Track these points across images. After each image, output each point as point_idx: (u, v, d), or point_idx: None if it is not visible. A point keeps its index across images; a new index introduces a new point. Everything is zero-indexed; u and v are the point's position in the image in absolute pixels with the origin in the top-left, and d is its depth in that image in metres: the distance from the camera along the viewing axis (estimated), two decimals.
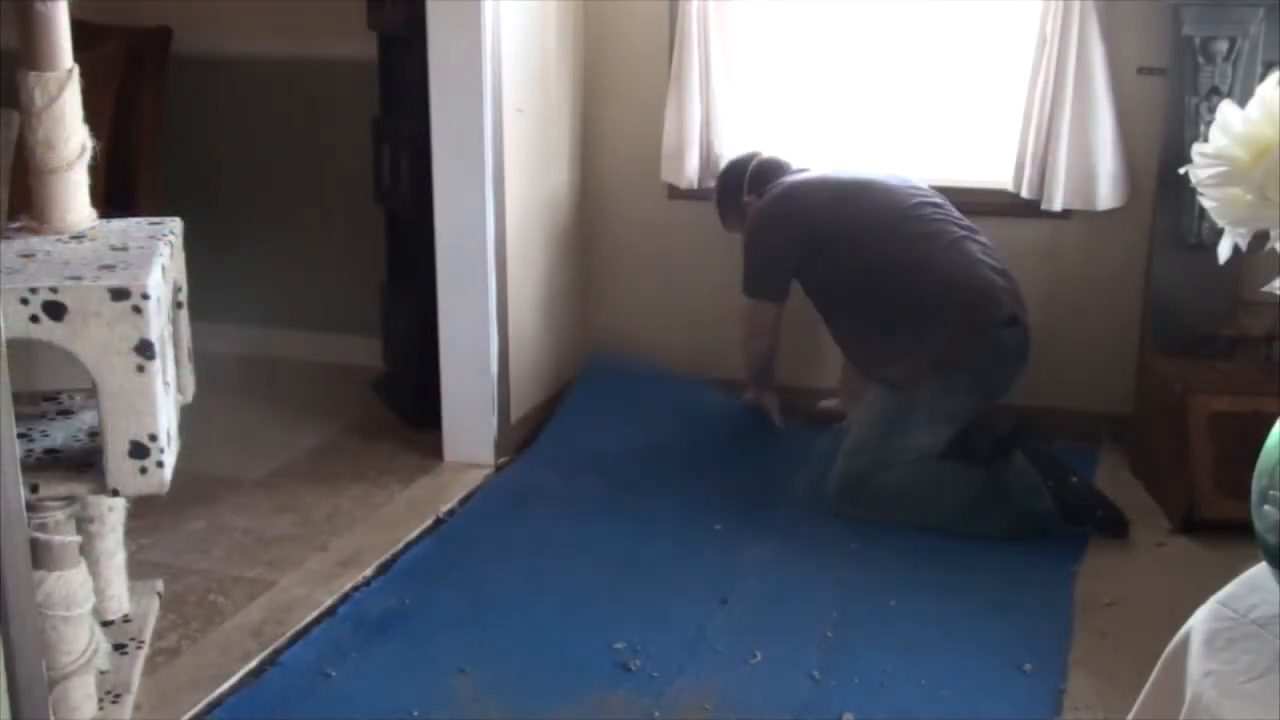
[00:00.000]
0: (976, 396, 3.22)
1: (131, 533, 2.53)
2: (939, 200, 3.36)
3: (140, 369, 1.88)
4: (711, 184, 3.71)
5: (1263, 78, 1.74)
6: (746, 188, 3.56)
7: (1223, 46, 3.13)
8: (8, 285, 1.82)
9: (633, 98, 3.88)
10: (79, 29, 2.10)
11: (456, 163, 3.34)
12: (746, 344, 3.66)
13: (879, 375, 3.27)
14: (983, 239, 3.29)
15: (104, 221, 2.15)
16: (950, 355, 3.16)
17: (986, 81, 3.63)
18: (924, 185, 3.42)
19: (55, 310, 1.84)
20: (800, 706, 2.40)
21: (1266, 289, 1.38)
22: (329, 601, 2.77)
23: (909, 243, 3.24)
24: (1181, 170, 1.44)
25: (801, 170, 3.55)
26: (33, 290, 1.83)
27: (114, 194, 3.67)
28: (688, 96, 3.65)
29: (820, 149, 3.77)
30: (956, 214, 3.33)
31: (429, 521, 3.17)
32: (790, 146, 3.76)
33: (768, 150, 3.65)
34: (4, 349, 1.34)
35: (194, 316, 2.27)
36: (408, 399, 3.80)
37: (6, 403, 1.32)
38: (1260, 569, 1.38)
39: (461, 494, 3.33)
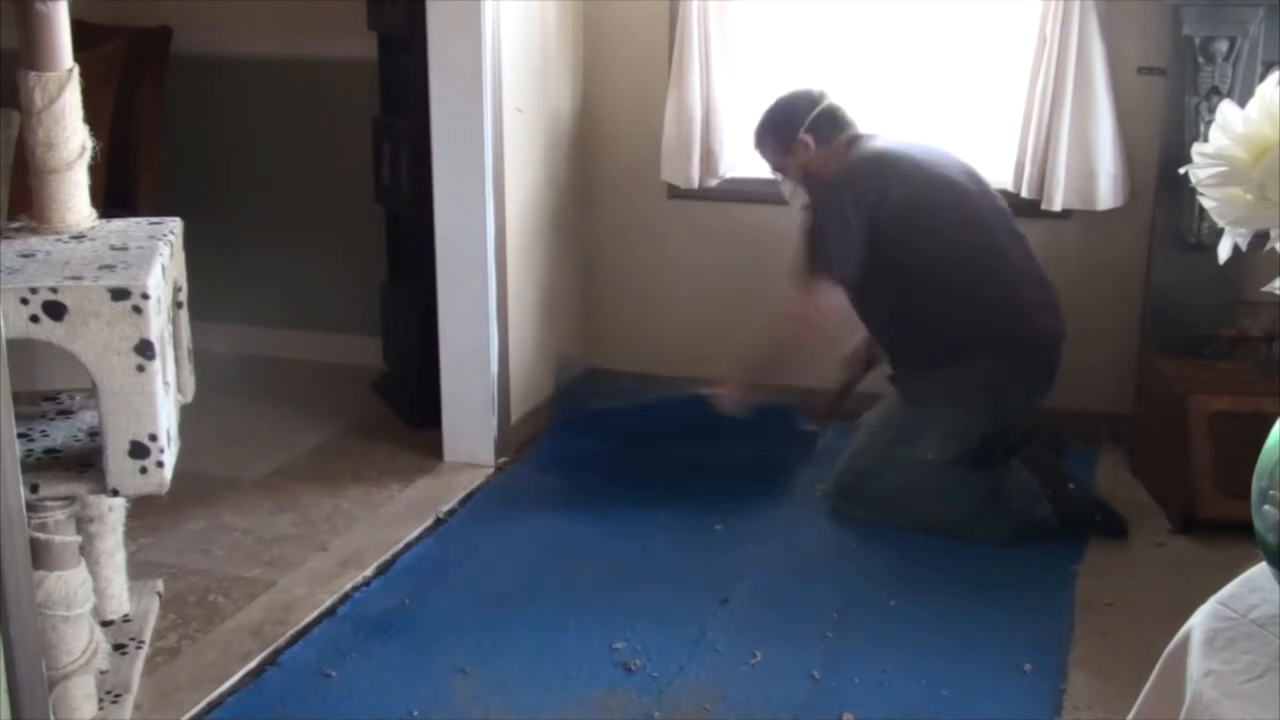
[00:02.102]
0: (991, 421, 3.18)
1: (131, 533, 2.53)
2: (1002, 204, 3.25)
3: (140, 369, 1.88)
4: (712, 184, 3.71)
5: (1263, 78, 1.74)
6: (807, 125, 3.26)
7: (1223, 46, 3.13)
8: (8, 285, 1.82)
9: (633, 98, 3.88)
10: (79, 29, 2.10)
11: (456, 163, 3.34)
12: (790, 340, 3.28)
13: (902, 384, 3.26)
14: (1028, 246, 3.23)
15: (104, 221, 2.14)
16: (975, 385, 3.14)
17: (986, 81, 3.63)
18: (987, 182, 3.28)
19: (55, 310, 1.84)
20: (800, 706, 2.40)
21: (1266, 289, 1.38)
22: (329, 601, 2.77)
23: (967, 262, 3.14)
24: (1181, 170, 1.44)
25: (875, 136, 3.31)
26: (33, 290, 1.83)
27: (114, 194, 3.67)
28: (688, 96, 3.65)
29: None
30: (1009, 214, 3.25)
31: (429, 521, 3.17)
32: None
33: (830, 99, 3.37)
34: (4, 349, 1.34)
35: (194, 316, 2.27)
36: (408, 399, 3.81)
37: (6, 403, 1.32)
38: (1260, 569, 1.38)
39: (461, 494, 3.33)
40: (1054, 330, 3.20)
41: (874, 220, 3.11)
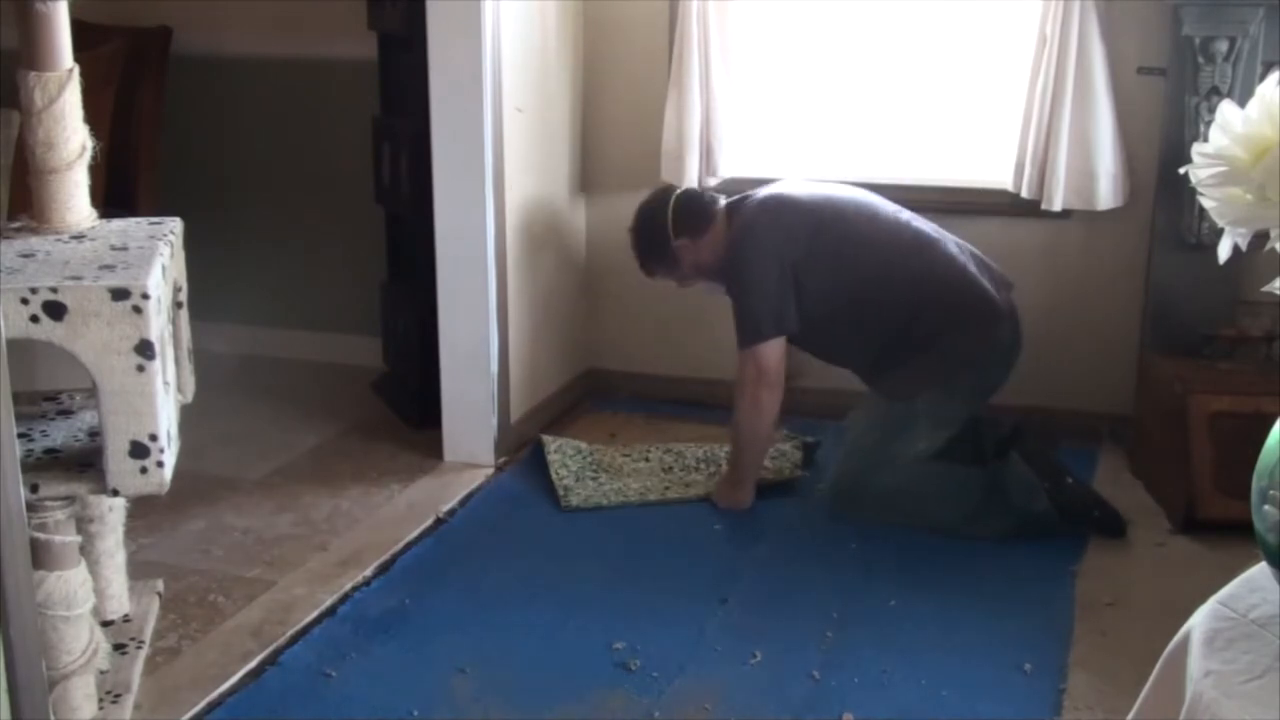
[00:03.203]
0: (975, 400, 3.22)
1: (131, 533, 2.53)
2: (897, 205, 3.27)
3: (140, 369, 1.88)
4: (712, 183, 3.71)
5: (1263, 78, 1.74)
6: (674, 231, 3.25)
7: (1223, 46, 3.13)
8: (8, 285, 1.82)
9: (633, 98, 3.88)
10: (79, 29, 2.10)
11: (456, 163, 3.34)
12: (756, 413, 3.16)
13: (876, 386, 3.26)
14: (946, 232, 3.25)
15: (104, 221, 2.14)
16: (948, 365, 3.15)
17: (986, 81, 3.63)
18: (871, 193, 3.29)
19: (55, 310, 1.84)
20: (800, 706, 2.40)
21: (1266, 289, 1.38)
22: (329, 601, 2.77)
23: (896, 252, 3.17)
24: (1181, 170, 1.44)
25: (742, 195, 3.29)
26: (33, 290, 1.83)
27: (114, 194, 3.67)
28: (688, 96, 3.65)
29: (820, 149, 3.77)
30: (914, 213, 3.27)
31: (429, 521, 3.17)
32: (789, 147, 3.77)
33: (680, 186, 3.44)
34: (4, 349, 1.34)
35: (194, 316, 2.27)
36: (408, 399, 3.81)
37: (6, 403, 1.32)
38: (1260, 569, 1.38)
39: (461, 494, 3.33)
40: (1005, 291, 3.22)
41: (793, 261, 3.12)
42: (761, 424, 3.19)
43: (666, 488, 3.34)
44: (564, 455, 3.49)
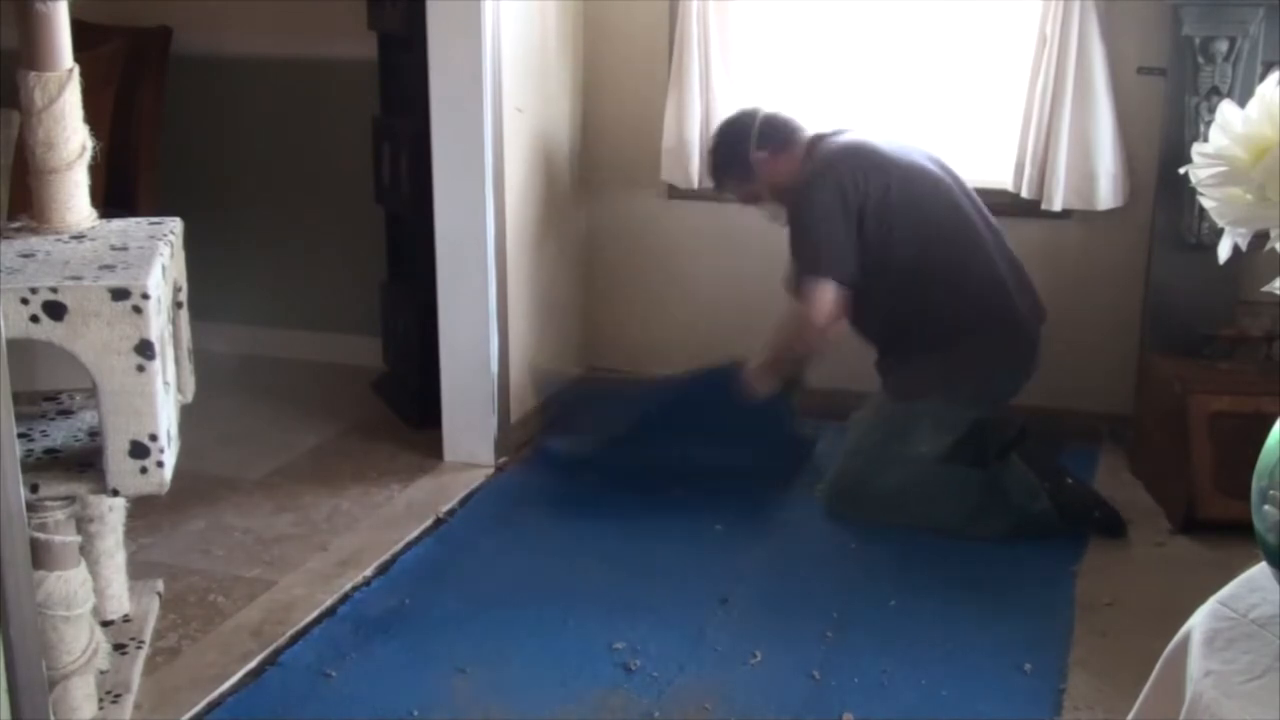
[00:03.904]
0: (979, 408, 3.20)
1: (131, 533, 2.53)
2: (973, 193, 3.25)
3: (140, 369, 1.88)
4: (712, 184, 3.70)
5: (1263, 78, 1.74)
6: (756, 142, 3.23)
7: (1223, 46, 3.13)
8: (8, 285, 1.82)
9: (633, 98, 3.88)
10: (79, 29, 2.10)
11: (456, 163, 3.34)
12: (815, 342, 3.19)
13: (885, 380, 3.26)
14: (1006, 242, 3.25)
15: (104, 221, 2.14)
16: (957, 371, 3.15)
17: (986, 81, 3.63)
18: (953, 172, 3.27)
19: (55, 310, 1.84)
20: (800, 706, 2.40)
21: (1266, 289, 1.38)
22: (329, 601, 2.77)
23: (945, 237, 3.13)
24: (1181, 170, 1.44)
25: (830, 131, 3.27)
26: (33, 290, 1.83)
27: (114, 194, 3.67)
28: (688, 96, 3.65)
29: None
30: (985, 209, 3.25)
31: (429, 521, 3.17)
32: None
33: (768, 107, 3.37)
34: (4, 349, 1.34)
35: (194, 316, 2.27)
36: (408, 399, 3.81)
37: (6, 403, 1.32)
38: (1260, 569, 1.38)
39: (461, 494, 3.33)
40: (1034, 312, 3.22)
41: (861, 214, 3.09)
42: (796, 348, 3.24)
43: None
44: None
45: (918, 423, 3.14)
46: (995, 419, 3.26)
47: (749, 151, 3.26)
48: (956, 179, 3.25)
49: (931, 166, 3.22)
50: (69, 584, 2.01)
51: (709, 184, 3.70)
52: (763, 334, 3.40)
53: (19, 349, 1.71)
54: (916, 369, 3.17)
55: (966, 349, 3.14)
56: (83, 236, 2.07)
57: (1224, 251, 1.39)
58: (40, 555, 1.96)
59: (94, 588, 2.10)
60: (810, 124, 3.32)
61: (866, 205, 3.09)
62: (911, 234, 3.12)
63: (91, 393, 1.92)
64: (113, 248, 2.02)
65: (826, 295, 3.10)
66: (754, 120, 3.28)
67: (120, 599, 2.45)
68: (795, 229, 3.15)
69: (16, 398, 1.40)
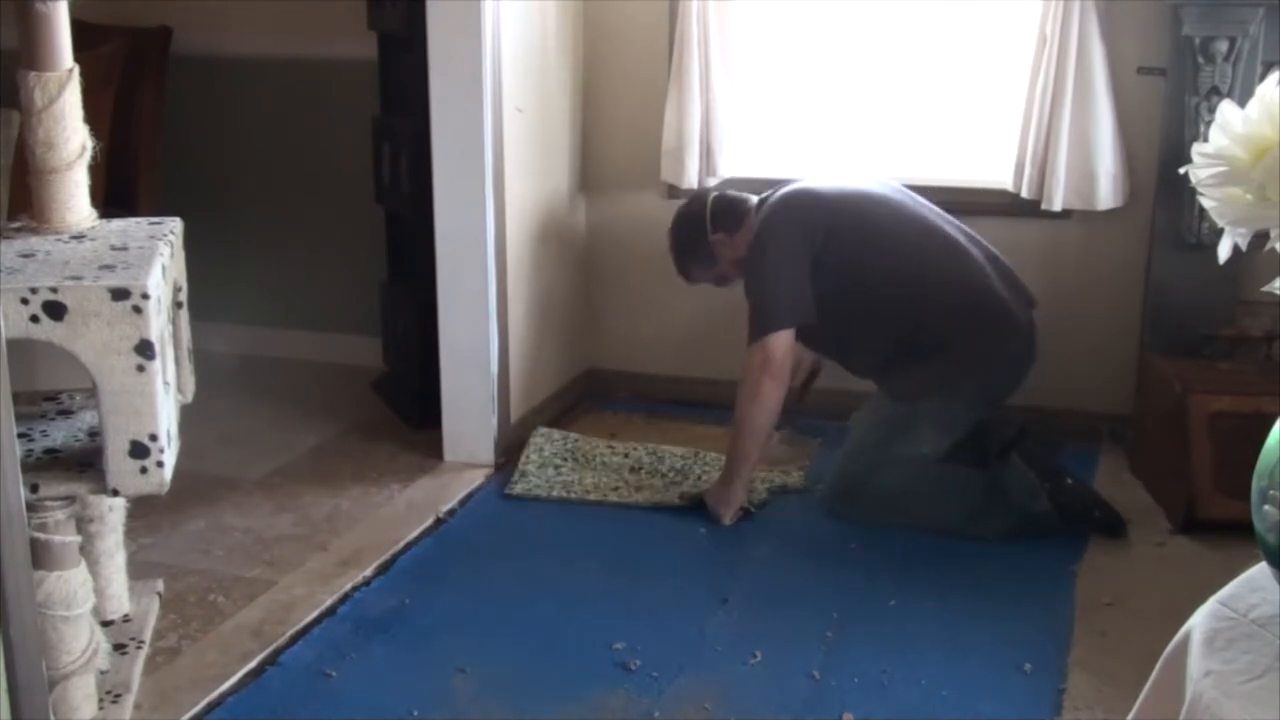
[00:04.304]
0: (980, 408, 3.21)
1: (131, 533, 2.53)
2: (932, 205, 3.28)
3: (140, 369, 1.88)
4: (711, 184, 3.71)
5: (1263, 78, 1.74)
6: (711, 227, 3.27)
7: (1223, 46, 3.13)
8: (8, 285, 1.82)
9: (633, 97, 3.88)
10: (79, 29, 2.10)
11: (456, 163, 3.34)
12: (757, 403, 3.11)
13: (883, 385, 3.26)
14: (979, 238, 3.26)
15: (104, 221, 2.14)
16: (956, 371, 3.15)
17: (986, 81, 3.63)
18: (907, 190, 3.30)
19: (55, 310, 1.84)
20: (800, 706, 2.40)
21: (1266, 289, 1.38)
22: (329, 601, 2.77)
23: (916, 254, 3.15)
24: (1181, 170, 1.44)
25: (780, 186, 3.30)
26: (33, 290, 1.83)
27: (114, 194, 3.67)
28: (688, 96, 3.65)
29: (820, 149, 3.77)
30: (949, 216, 3.27)
31: (429, 521, 3.17)
32: (789, 147, 3.76)
33: (716, 189, 3.45)
34: (4, 349, 1.34)
35: (194, 316, 2.27)
36: (408, 399, 3.81)
37: (6, 403, 1.32)
38: (1260, 569, 1.38)
39: (461, 494, 3.33)
40: (1022, 300, 3.22)
41: (823, 252, 3.11)
42: (761, 414, 3.12)
43: (616, 488, 3.32)
44: (546, 440, 3.53)
45: (919, 423, 3.14)
46: (995, 419, 3.26)
47: (706, 237, 3.30)
48: (908, 194, 3.28)
49: (877, 189, 3.26)
50: (69, 584, 2.01)
51: (709, 183, 3.71)
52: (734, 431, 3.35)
53: (19, 349, 1.71)
54: (917, 371, 3.17)
55: (963, 348, 3.14)
56: (83, 236, 2.07)
57: (1224, 251, 1.39)
58: (40, 555, 1.96)
59: (94, 588, 2.10)
60: (761, 186, 3.37)
61: (816, 249, 3.11)
62: (876, 255, 3.14)
63: (91, 393, 1.92)
64: (113, 248, 2.02)
65: (781, 342, 3.10)
66: (704, 206, 3.32)
67: (120, 599, 2.45)
68: (748, 291, 3.18)
69: (16, 398, 1.40)
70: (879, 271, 3.14)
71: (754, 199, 3.32)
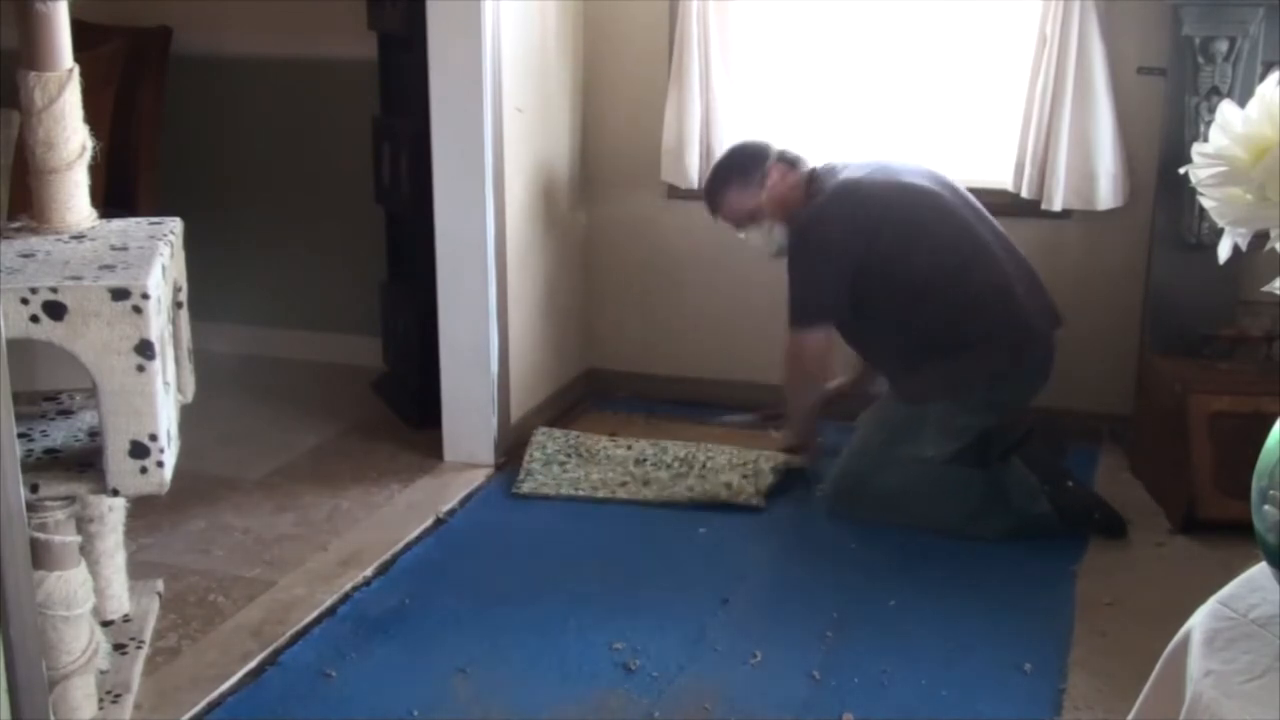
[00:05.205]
0: (987, 416, 3.20)
1: (131, 533, 2.53)
2: (971, 200, 3.26)
3: (140, 369, 1.88)
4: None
5: (1263, 78, 1.74)
6: (774, 157, 3.30)
7: (1223, 46, 3.13)
8: (8, 285, 1.82)
9: (633, 97, 3.88)
10: (79, 29, 2.10)
11: (456, 163, 3.34)
12: (803, 388, 3.33)
13: (895, 384, 3.26)
14: (1015, 248, 3.25)
15: (104, 221, 2.15)
16: (969, 378, 3.14)
17: (986, 81, 3.63)
18: (947, 181, 3.28)
19: (55, 310, 1.84)
20: (800, 706, 2.40)
21: (1266, 289, 1.38)
22: (329, 601, 2.77)
23: (952, 256, 3.14)
24: (1181, 170, 1.44)
25: (826, 167, 3.30)
26: (33, 290, 1.83)
27: (114, 194, 3.67)
28: (688, 96, 3.65)
29: (820, 149, 3.76)
30: (988, 215, 3.26)
31: (429, 521, 3.17)
32: (789, 147, 3.75)
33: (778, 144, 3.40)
34: (4, 349, 1.34)
35: (194, 316, 2.27)
36: (408, 399, 3.81)
37: (6, 403, 1.32)
38: (1260, 569, 1.38)
39: (461, 494, 3.33)
40: (1047, 320, 3.22)
41: (865, 253, 3.13)
42: (800, 399, 3.38)
43: (624, 482, 3.33)
44: (548, 438, 3.54)
45: (924, 426, 3.14)
46: (1001, 424, 3.26)
47: (766, 160, 3.31)
48: (955, 190, 3.26)
49: (928, 183, 3.23)
50: (69, 584, 2.01)
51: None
52: (760, 334, 3.41)
53: (19, 349, 1.71)
54: (927, 372, 3.17)
55: (975, 356, 3.13)
56: (83, 236, 2.07)
57: (1224, 251, 1.39)
58: (40, 555, 1.96)
59: (94, 588, 2.11)
60: (809, 149, 3.40)
61: (875, 242, 3.13)
62: (915, 255, 3.14)
63: (91, 393, 1.92)
64: (113, 248, 2.02)
65: (816, 342, 3.23)
66: (767, 146, 3.35)
67: (120, 599, 2.45)
68: (792, 273, 3.22)
69: (16, 398, 1.40)
70: (913, 272, 3.14)
71: (811, 164, 3.33)
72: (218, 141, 4.35)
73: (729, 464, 3.37)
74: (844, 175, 3.24)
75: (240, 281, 4.23)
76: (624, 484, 3.33)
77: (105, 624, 2.36)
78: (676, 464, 3.42)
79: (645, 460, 3.44)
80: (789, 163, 3.32)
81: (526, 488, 3.32)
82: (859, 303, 3.18)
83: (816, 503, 3.27)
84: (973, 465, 3.18)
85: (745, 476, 3.33)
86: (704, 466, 3.38)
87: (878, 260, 3.13)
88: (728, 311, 3.88)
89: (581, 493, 3.30)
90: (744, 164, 3.34)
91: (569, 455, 3.48)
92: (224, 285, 4.01)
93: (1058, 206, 3.43)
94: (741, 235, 3.41)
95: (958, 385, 3.14)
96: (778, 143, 3.40)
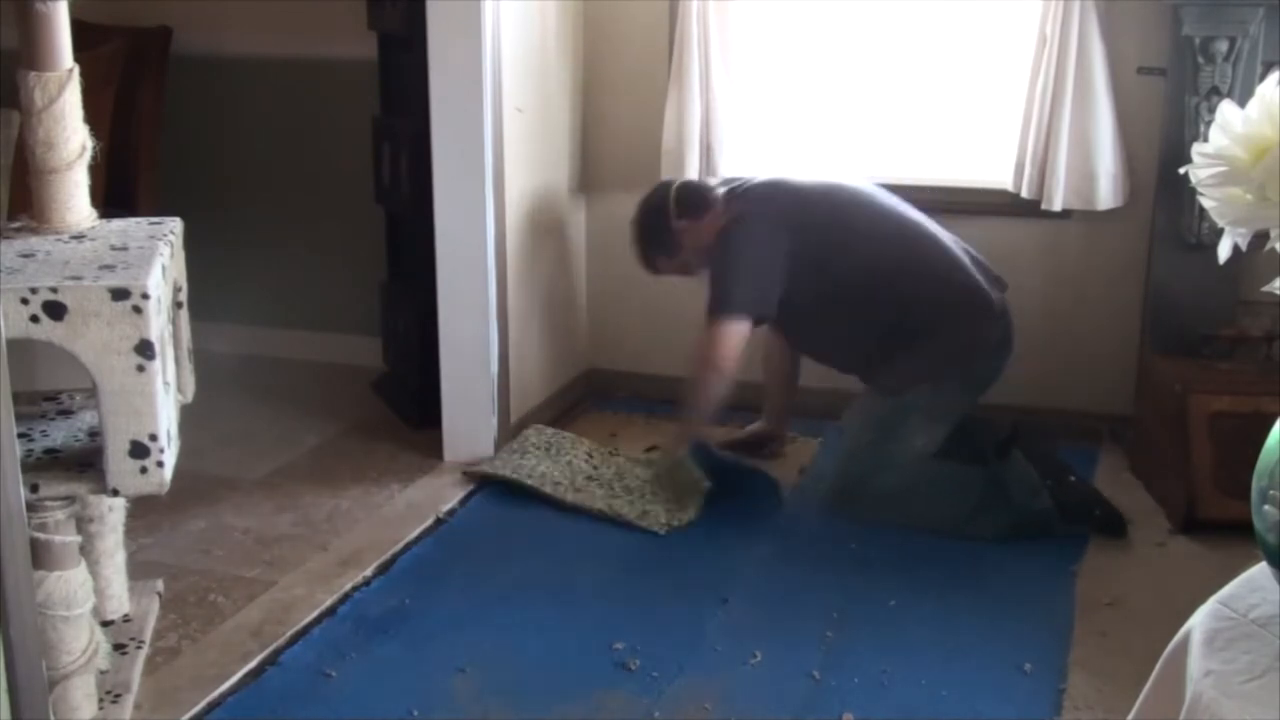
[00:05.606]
0: (970, 393, 3.24)
1: (131, 533, 2.53)
2: (902, 200, 3.29)
3: (140, 369, 1.88)
4: (712, 182, 3.70)
5: (1263, 78, 1.74)
6: (676, 212, 3.28)
7: (1223, 46, 3.13)
8: (8, 285, 1.82)
9: (633, 97, 3.88)
10: (79, 29, 2.10)
11: (456, 163, 3.34)
12: (699, 388, 3.20)
13: (869, 381, 3.27)
14: (948, 233, 3.27)
15: (104, 221, 2.15)
16: (942, 359, 3.17)
17: (986, 81, 3.63)
18: (879, 187, 3.32)
19: (55, 310, 1.84)
20: (800, 706, 2.40)
21: (1266, 289, 1.38)
22: (329, 601, 2.77)
23: (889, 245, 3.19)
24: (1181, 170, 1.44)
25: (741, 181, 3.34)
26: (33, 290, 1.83)
27: (114, 194, 3.67)
28: (688, 96, 3.65)
29: (820, 149, 3.77)
30: (918, 211, 3.29)
31: (429, 521, 3.17)
32: (789, 146, 3.76)
33: (681, 177, 3.48)
34: (4, 349, 1.34)
35: (194, 316, 2.27)
36: (408, 399, 3.81)
37: (6, 403, 1.32)
38: (1260, 569, 1.38)
39: (461, 494, 3.33)
40: (996, 283, 3.24)
41: (798, 247, 3.14)
42: (701, 399, 3.23)
43: (559, 483, 3.30)
44: (537, 434, 3.55)
45: (909, 415, 3.15)
46: (986, 422, 3.27)
47: (670, 223, 3.30)
48: (881, 190, 3.31)
49: (848, 186, 3.29)
50: (69, 584, 2.01)
51: (709, 181, 3.70)
52: (760, 334, 3.39)
53: (19, 349, 1.71)
54: (901, 362, 3.18)
55: (945, 335, 3.16)
56: (83, 236, 2.07)
57: (1224, 251, 1.39)
58: (40, 555, 1.96)
59: (94, 588, 2.10)
60: (734, 172, 3.42)
61: (791, 242, 3.14)
62: (857, 245, 3.17)
63: (91, 393, 1.92)
64: (113, 248, 2.02)
65: (731, 336, 3.14)
66: (669, 191, 3.33)
67: (120, 599, 2.45)
68: (713, 269, 3.20)
69: (16, 398, 1.40)
70: (858, 263, 3.17)
71: (721, 187, 3.35)
72: (218, 141, 4.35)
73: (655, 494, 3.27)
74: (761, 178, 3.29)
75: (240, 281, 4.23)
76: (558, 484, 3.31)
77: (105, 624, 2.36)
78: (619, 488, 3.32)
79: (594, 480, 3.35)
80: (696, 207, 3.27)
81: (484, 468, 3.36)
82: (813, 310, 3.19)
83: (816, 503, 3.27)
84: (969, 463, 3.18)
85: (668, 509, 3.20)
86: (637, 493, 3.28)
87: (815, 255, 3.15)
88: None
89: (518, 476, 3.30)
90: (654, 234, 3.34)
91: (543, 450, 3.48)
92: (224, 285, 4.00)
93: (1058, 206, 3.43)
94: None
95: (930, 368, 3.16)
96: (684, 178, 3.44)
